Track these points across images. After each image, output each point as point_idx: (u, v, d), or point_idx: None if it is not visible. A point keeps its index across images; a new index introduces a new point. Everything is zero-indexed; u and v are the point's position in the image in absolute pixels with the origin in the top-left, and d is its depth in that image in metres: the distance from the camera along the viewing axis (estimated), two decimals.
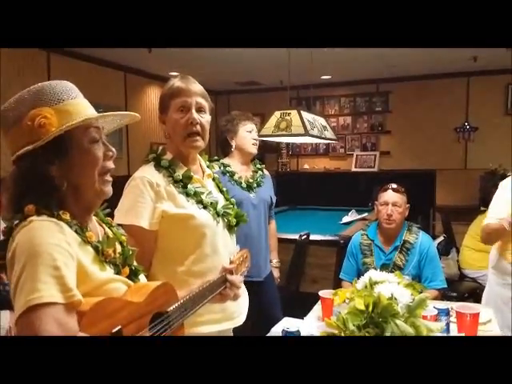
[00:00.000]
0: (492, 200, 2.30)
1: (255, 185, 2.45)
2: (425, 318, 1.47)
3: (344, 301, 1.80)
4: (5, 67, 3.97)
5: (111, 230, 1.09)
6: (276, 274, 2.64)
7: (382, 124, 6.58)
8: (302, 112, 3.34)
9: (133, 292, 0.97)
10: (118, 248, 1.05)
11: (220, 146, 2.55)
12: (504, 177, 2.48)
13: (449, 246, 3.81)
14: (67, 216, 0.92)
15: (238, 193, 2.32)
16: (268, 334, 1.69)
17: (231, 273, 1.35)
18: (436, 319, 1.59)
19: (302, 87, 5.78)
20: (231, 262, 1.40)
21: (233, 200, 1.64)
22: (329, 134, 3.78)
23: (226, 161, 2.45)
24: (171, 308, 1.01)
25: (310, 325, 1.66)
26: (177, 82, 1.48)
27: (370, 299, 1.26)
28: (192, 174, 1.49)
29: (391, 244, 2.38)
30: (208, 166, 1.64)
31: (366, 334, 1.23)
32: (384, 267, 2.21)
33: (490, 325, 1.81)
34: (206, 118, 1.49)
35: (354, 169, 6.61)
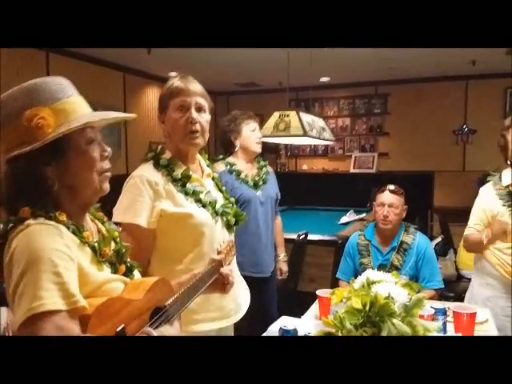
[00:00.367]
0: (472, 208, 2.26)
1: (261, 182, 2.46)
2: (422, 317, 1.48)
3: (341, 300, 1.80)
4: (4, 67, 3.95)
5: (104, 226, 1.07)
6: (284, 268, 2.68)
7: (381, 126, 6.58)
8: (300, 113, 3.36)
9: (131, 289, 0.97)
10: (113, 245, 1.05)
11: (223, 146, 2.54)
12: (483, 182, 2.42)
13: (446, 247, 3.82)
14: (64, 217, 0.90)
15: (245, 191, 2.33)
16: (265, 333, 1.69)
17: (221, 263, 1.32)
18: (433, 319, 1.60)
19: (301, 89, 5.80)
20: (219, 253, 1.37)
21: (232, 199, 1.64)
22: (327, 135, 3.79)
23: (230, 160, 2.45)
24: (169, 302, 1.02)
25: (308, 323, 1.66)
26: (176, 82, 1.48)
27: (367, 298, 1.26)
28: (191, 172, 1.50)
29: (388, 244, 2.38)
30: (208, 165, 1.64)
31: (363, 333, 1.24)
32: (381, 267, 2.21)
33: (487, 325, 1.81)
34: (205, 118, 1.49)
35: (352, 170, 6.61)
